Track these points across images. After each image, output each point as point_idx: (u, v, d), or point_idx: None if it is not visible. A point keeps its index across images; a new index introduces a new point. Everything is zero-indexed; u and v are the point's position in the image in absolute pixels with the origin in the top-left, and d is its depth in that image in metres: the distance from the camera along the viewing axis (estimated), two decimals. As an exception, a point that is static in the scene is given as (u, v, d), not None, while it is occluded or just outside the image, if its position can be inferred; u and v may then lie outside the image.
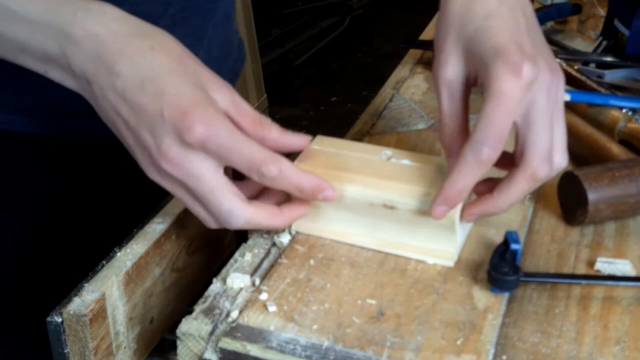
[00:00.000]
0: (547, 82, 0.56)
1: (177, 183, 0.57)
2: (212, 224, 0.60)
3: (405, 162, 0.63)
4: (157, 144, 0.55)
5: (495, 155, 0.55)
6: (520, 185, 0.57)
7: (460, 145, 0.57)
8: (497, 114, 0.54)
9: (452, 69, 0.59)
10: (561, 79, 0.57)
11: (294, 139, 0.60)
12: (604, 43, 0.99)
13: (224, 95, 0.57)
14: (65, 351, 0.58)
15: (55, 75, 0.59)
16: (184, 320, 0.56)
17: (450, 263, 0.61)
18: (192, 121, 0.54)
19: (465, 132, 0.59)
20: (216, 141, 0.54)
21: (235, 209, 0.57)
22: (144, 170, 0.58)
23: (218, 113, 0.55)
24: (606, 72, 0.92)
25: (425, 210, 0.59)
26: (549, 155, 0.56)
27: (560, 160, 0.57)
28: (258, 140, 0.57)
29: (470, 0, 0.59)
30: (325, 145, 0.66)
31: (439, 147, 0.79)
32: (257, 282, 0.59)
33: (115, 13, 0.58)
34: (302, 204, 0.62)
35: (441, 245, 0.61)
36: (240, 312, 0.56)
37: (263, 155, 0.56)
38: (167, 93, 0.55)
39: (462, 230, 0.62)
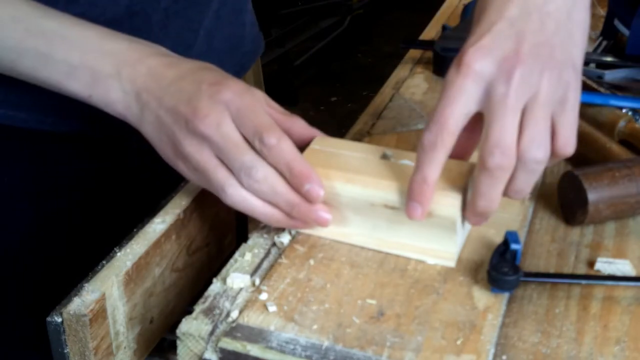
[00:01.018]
0: (509, 72, 0.54)
1: (205, 143, 0.61)
2: (230, 188, 0.61)
3: (405, 162, 0.63)
4: (193, 107, 0.61)
5: (435, 140, 0.56)
6: (479, 179, 0.56)
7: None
8: (439, 101, 0.56)
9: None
10: (553, 72, 0.55)
11: (318, 133, 0.67)
12: (604, 43, 0.99)
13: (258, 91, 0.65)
14: (65, 351, 0.58)
15: (98, 99, 0.65)
16: (184, 320, 0.56)
17: (451, 263, 0.61)
18: (224, 86, 0.62)
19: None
20: (237, 103, 0.61)
21: (257, 162, 0.60)
22: (177, 146, 0.62)
23: (247, 87, 0.63)
24: (606, 72, 0.92)
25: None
26: (502, 143, 0.54)
27: (533, 152, 0.55)
28: (285, 128, 0.63)
29: None
30: (325, 145, 0.66)
31: (439, 147, 0.79)
32: (257, 282, 0.59)
33: (158, 46, 0.67)
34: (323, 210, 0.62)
35: (442, 245, 0.61)
36: (240, 312, 0.56)
37: (269, 125, 0.61)
38: (204, 74, 0.64)
39: (462, 231, 0.62)
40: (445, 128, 0.56)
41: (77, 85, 0.65)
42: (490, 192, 0.56)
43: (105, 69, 0.64)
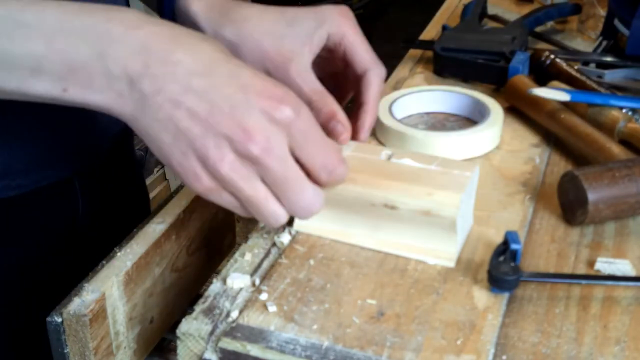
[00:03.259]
0: None
1: (254, 169, 0.52)
2: (280, 219, 0.56)
3: (406, 161, 0.63)
4: (242, 126, 0.50)
5: None
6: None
7: None
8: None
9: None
10: None
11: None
12: (604, 43, 0.99)
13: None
14: (65, 351, 0.58)
15: (76, 92, 0.51)
16: (184, 320, 0.55)
17: (451, 264, 0.61)
18: (282, 99, 0.51)
19: None
20: (301, 125, 0.52)
21: (317, 198, 0.56)
22: (208, 164, 0.51)
23: (298, 99, 0.54)
24: (606, 72, 0.92)
25: (427, 210, 0.59)
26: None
27: None
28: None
29: None
30: (325, 145, 0.66)
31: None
32: (257, 282, 0.59)
33: (146, 14, 0.53)
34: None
35: (442, 245, 0.61)
36: (240, 312, 0.56)
37: (339, 155, 0.56)
38: (243, 73, 0.52)
39: (462, 231, 0.62)
40: None
41: (46, 82, 0.51)
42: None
43: (79, 53, 0.50)
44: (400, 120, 0.78)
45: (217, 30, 0.67)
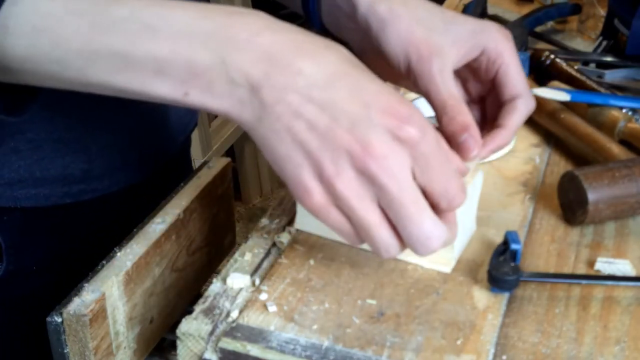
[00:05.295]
0: None
1: (372, 189, 0.49)
2: (391, 250, 0.51)
3: None
4: (362, 141, 0.48)
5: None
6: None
7: None
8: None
9: None
10: None
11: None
12: (604, 43, 0.99)
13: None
14: (65, 351, 0.58)
15: (196, 96, 0.50)
16: (184, 320, 0.56)
17: (447, 269, 0.60)
18: (407, 119, 0.49)
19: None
20: (425, 148, 0.49)
21: (435, 230, 0.50)
22: (323, 176, 0.49)
23: (425, 119, 0.50)
24: (606, 72, 0.92)
25: None
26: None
27: None
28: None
29: None
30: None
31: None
32: (257, 282, 0.59)
33: (270, 17, 0.52)
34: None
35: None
36: (240, 312, 0.56)
37: (460, 183, 0.51)
38: (368, 88, 0.50)
39: (462, 236, 0.61)
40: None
41: (168, 85, 0.50)
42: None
43: (201, 58, 0.49)
44: None
45: (372, 4, 0.60)
